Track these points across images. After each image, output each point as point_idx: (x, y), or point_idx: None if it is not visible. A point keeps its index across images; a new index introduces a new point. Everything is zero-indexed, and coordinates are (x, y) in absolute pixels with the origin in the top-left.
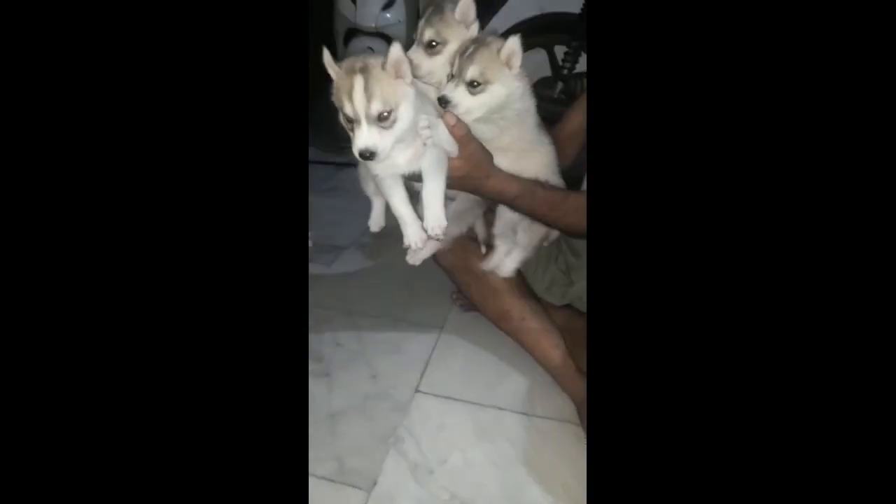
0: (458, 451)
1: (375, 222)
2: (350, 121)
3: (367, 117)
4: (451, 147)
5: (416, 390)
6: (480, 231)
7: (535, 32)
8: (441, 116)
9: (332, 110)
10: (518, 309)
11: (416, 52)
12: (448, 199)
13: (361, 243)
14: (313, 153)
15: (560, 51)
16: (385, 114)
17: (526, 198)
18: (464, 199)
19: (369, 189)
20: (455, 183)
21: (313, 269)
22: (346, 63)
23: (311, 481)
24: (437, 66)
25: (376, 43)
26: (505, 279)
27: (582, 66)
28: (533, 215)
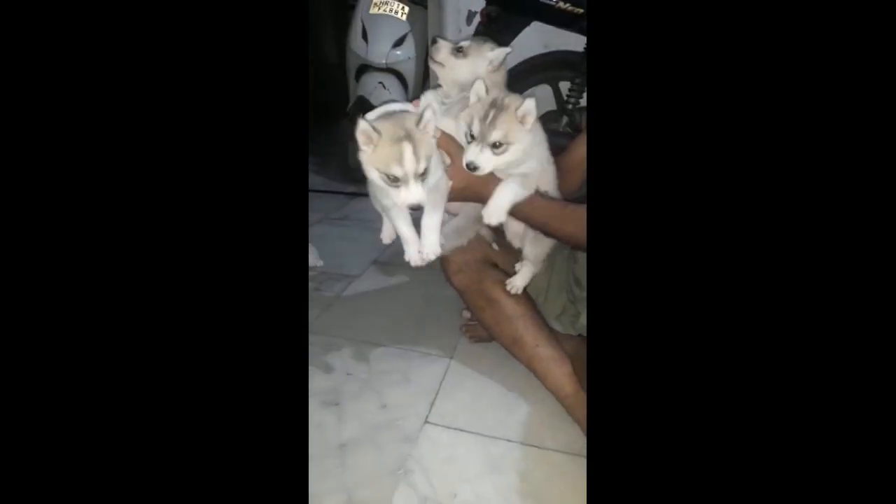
0: (467, 484)
1: (387, 234)
2: (395, 179)
3: (415, 177)
4: (445, 158)
5: (426, 421)
6: (487, 234)
7: (540, 69)
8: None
9: (344, 142)
10: (531, 335)
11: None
12: (451, 215)
13: (371, 274)
14: (324, 183)
15: (564, 86)
16: (425, 169)
17: (525, 205)
18: (466, 213)
19: (379, 205)
20: (457, 194)
21: (323, 297)
22: (387, 130)
23: None
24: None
25: (387, 79)
26: (518, 305)
27: (585, 100)
28: (532, 223)
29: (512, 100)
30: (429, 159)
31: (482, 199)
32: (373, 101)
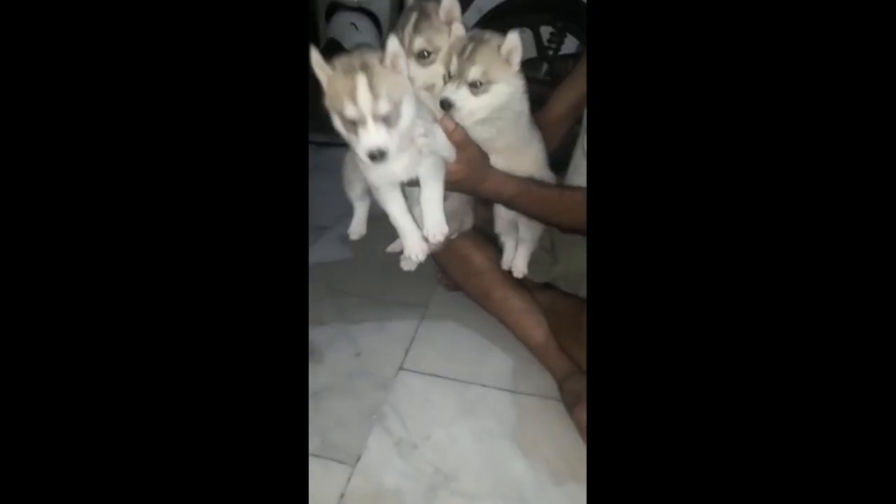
0: (442, 427)
1: (356, 230)
2: (352, 123)
3: (374, 116)
4: (449, 152)
5: (401, 368)
6: (468, 221)
7: (518, 12)
8: (437, 120)
9: (313, 88)
10: (500, 289)
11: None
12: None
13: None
14: None
15: (545, 32)
16: (390, 111)
17: (522, 197)
18: (456, 198)
19: (353, 193)
20: (453, 186)
21: None
22: (342, 62)
23: None
24: (431, 75)
25: (359, 19)
26: (487, 259)
27: (568, 47)
28: (529, 213)
29: (493, 35)
30: (394, 99)
31: (479, 192)
32: (344, 43)
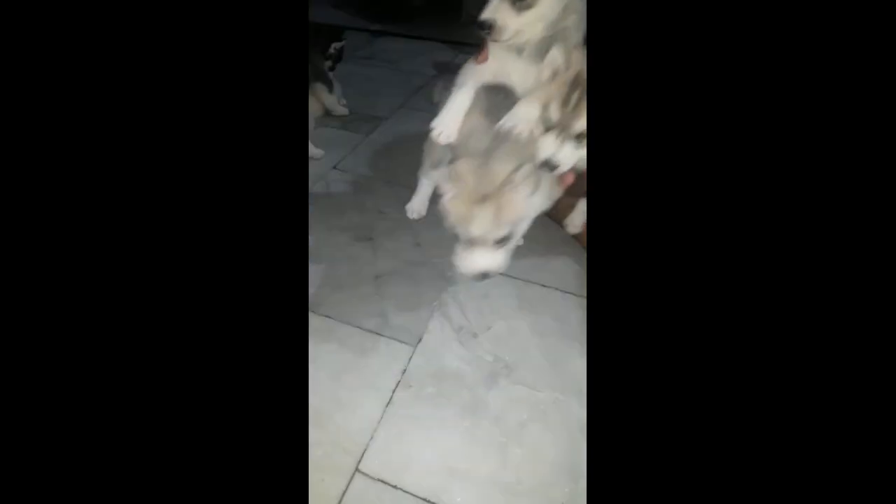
0: (502, 320)
1: (415, 209)
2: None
3: (485, 243)
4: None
5: None
6: None
7: None
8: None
9: None
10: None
11: (501, 10)
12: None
13: (400, 116)
14: (347, 19)
15: None
16: (507, 234)
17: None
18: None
19: (423, 170)
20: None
21: (351, 138)
22: (468, 182)
23: (358, 333)
24: (527, 23)
25: None
26: None
27: None
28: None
29: None
30: (515, 223)
31: None
32: None
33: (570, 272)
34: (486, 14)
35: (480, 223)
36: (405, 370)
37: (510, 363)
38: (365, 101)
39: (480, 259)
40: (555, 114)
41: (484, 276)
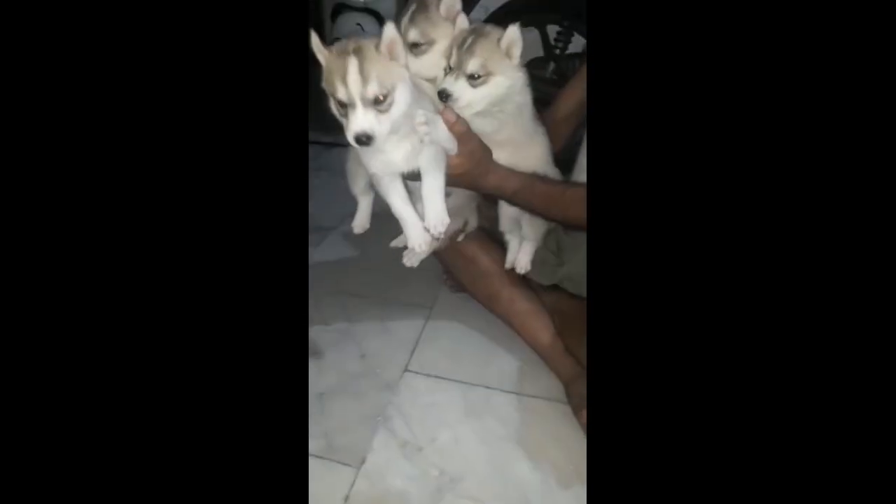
0: (447, 429)
1: (360, 224)
2: (343, 105)
3: (363, 100)
4: (451, 144)
5: (406, 370)
6: (472, 221)
7: (525, 10)
8: (438, 112)
9: (320, 89)
10: (507, 291)
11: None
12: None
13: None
14: None
15: (552, 30)
16: (381, 97)
17: (525, 192)
18: (460, 194)
19: (357, 188)
20: (455, 181)
21: None
22: (338, 46)
23: None
24: (424, 66)
25: (366, 20)
26: (494, 262)
27: (575, 46)
28: (532, 209)
29: (494, 29)
30: (386, 85)
31: (481, 187)
32: None
33: (513, 371)
34: (443, 86)
35: (350, 74)
36: (347, 497)
37: (455, 476)
38: (315, 212)
39: (361, 117)
40: (453, 58)
41: (367, 138)
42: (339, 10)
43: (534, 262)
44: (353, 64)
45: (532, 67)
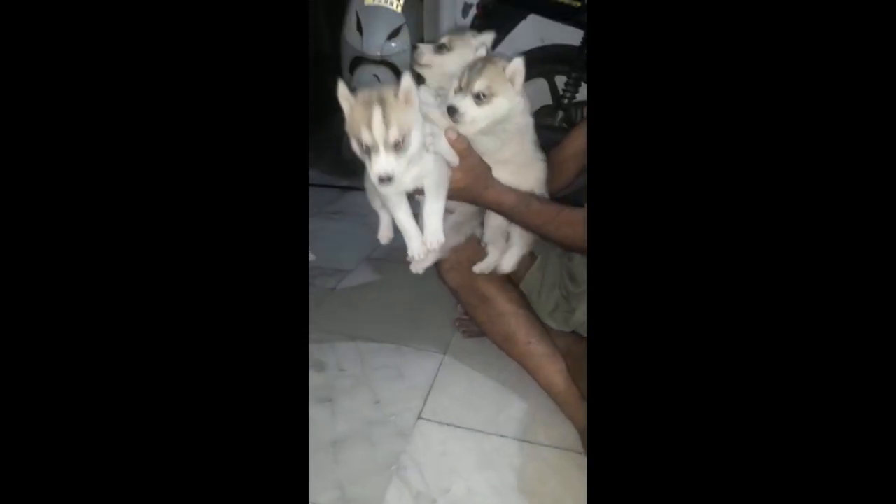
0: (461, 480)
1: (384, 234)
2: (367, 149)
3: (385, 144)
4: (453, 157)
5: (419, 417)
6: (477, 234)
7: (536, 63)
8: (443, 130)
9: (337, 135)
10: (524, 332)
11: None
12: (447, 212)
13: (365, 268)
14: (317, 176)
15: (560, 81)
16: (400, 140)
17: (522, 208)
18: (462, 211)
19: (376, 203)
20: (455, 194)
21: (316, 292)
22: (362, 95)
23: None
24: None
25: (381, 71)
26: (510, 302)
27: (581, 95)
28: (528, 226)
29: (502, 58)
30: (405, 129)
31: (480, 202)
32: None
33: (527, 418)
34: (451, 102)
35: (375, 122)
36: None
37: None
38: (332, 255)
39: (383, 161)
40: (463, 79)
41: (389, 178)
42: (356, 62)
43: (549, 305)
44: (377, 112)
45: (542, 115)
